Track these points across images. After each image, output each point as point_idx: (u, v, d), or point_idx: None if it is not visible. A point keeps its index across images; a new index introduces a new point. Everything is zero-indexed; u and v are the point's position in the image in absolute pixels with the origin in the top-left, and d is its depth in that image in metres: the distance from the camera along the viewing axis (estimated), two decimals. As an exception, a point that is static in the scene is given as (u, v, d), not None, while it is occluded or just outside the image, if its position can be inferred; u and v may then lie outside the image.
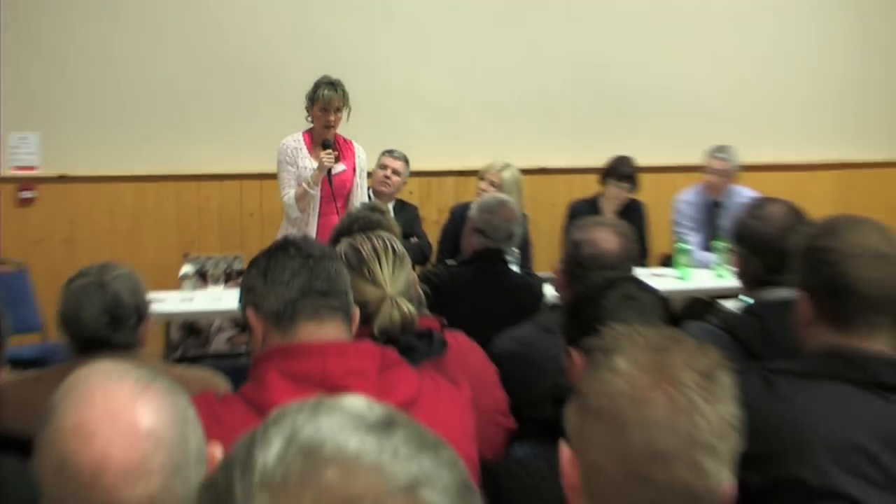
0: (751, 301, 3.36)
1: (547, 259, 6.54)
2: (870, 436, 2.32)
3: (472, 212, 4.97)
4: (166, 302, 5.91)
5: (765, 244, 3.29)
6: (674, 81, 8.69)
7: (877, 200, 8.27)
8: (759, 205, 3.51)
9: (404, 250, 2.92)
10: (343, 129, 6.35)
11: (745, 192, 6.91)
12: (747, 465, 1.68)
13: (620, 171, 7.18)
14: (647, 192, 7.45)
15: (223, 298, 6.04)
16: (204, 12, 7.69)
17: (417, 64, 8.15)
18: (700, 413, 1.54)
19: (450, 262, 5.73)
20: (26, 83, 7.41)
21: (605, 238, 3.46)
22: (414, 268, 3.09)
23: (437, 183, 8.18)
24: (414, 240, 6.73)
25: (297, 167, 6.23)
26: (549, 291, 4.82)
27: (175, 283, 6.31)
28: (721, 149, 7.28)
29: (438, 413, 2.25)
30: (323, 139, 6.18)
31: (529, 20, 8.36)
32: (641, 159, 7.38)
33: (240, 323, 6.31)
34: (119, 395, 1.47)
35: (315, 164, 6.17)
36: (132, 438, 1.44)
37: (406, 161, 6.89)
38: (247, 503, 0.72)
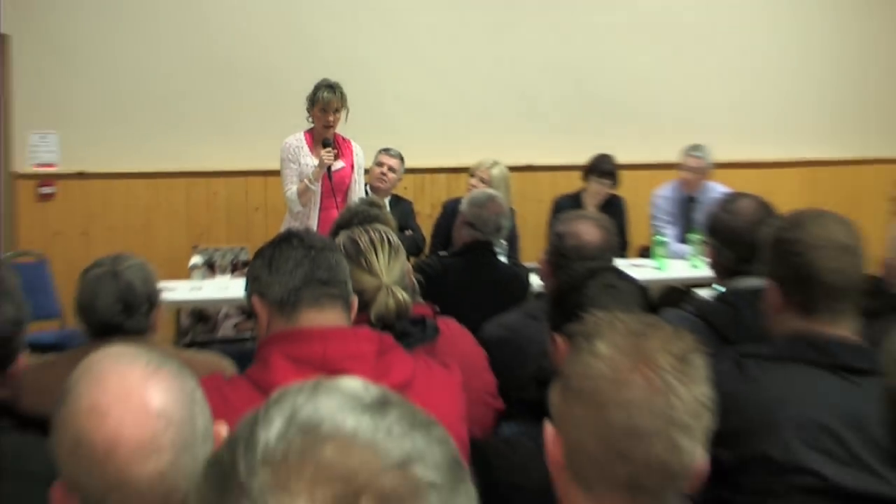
0: (723, 289, 3.36)
1: (533, 251, 6.52)
2: (833, 415, 2.32)
3: (463, 206, 4.97)
4: (176, 290, 5.91)
5: (736, 236, 3.30)
6: (652, 84, 8.70)
7: (840, 196, 8.28)
8: (730, 200, 3.51)
9: (399, 242, 2.91)
10: (342, 129, 6.35)
11: (717, 188, 6.91)
12: (719, 442, 1.69)
13: (602, 168, 7.19)
14: (627, 188, 7.46)
15: (230, 287, 6.05)
16: (213, 21, 7.68)
17: (412, 68, 8.14)
18: (675, 394, 1.54)
19: (442, 253, 5.72)
20: (46, 86, 7.40)
21: (587, 231, 3.46)
22: (408, 259, 3.08)
23: (431, 179, 8.18)
24: (408, 233, 6.73)
25: (299, 164, 6.23)
26: (535, 281, 4.83)
27: (185, 273, 6.31)
28: (695, 148, 7.29)
29: (431, 395, 2.26)
30: (323, 138, 6.19)
31: (517, 28, 8.36)
32: (621, 157, 7.39)
33: (246, 310, 6.30)
34: (131, 377, 1.47)
35: (316, 162, 6.18)
36: (143, 418, 1.44)
37: (401, 159, 6.88)
38: (250, 479, 0.72)
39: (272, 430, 0.74)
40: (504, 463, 2.32)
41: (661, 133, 8.37)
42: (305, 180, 6.16)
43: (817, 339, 2.44)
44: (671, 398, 1.53)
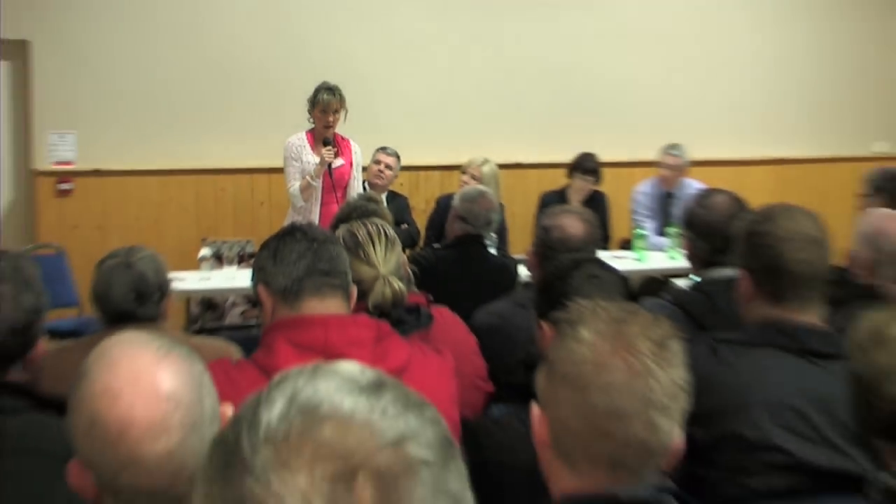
0: (699, 279, 3.36)
1: (521, 243, 6.53)
2: (801, 396, 2.33)
3: (455, 202, 4.97)
4: (186, 281, 5.90)
5: (711, 230, 3.29)
6: (632, 87, 8.70)
7: (808, 192, 8.28)
8: (706, 195, 3.51)
9: (395, 235, 2.91)
10: (341, 129, 6.36)
11: (694, 185, 6.91)
12: (694, 422, 1.69)
13: (585, 165, 7.19)
14: (609, 184, 7.46)
15: (237, 277, 6.04)
16: (221, 29, 7.67)
17: (407, 72, 8.14)
18: (654, 377, 1.54)
19: (435, 245, 5.72)
20: (65, 89, 7.38)
21: (572, 224, 3.46)
22: (404, 251, 3.08)
23: (425, 176, 8.18)
24: (404, 226, 6.72)
25: (301, 162, 6.24)
26: (523, 271, 4.83)
27: (194, 265, 6.31)
28: (673, 146, 7.29)
29: (426, 378, 2.25)
30: (323, 137, 6.20)
31: (506, 35, 8.37)
32: (604, 155, 7.39)
33: (252, 299, 6.29)
34: (142, 361, 1.47)
35: (317, 160, 6.18)
36: (154, 399, 1.44)
37: (397, 157, 6.88)
38: (253, 457, 0.72)
39: (274, 411, 0.74)
40: (493, 442, 2.32)
41: (640, 133, 8.36)
42: (307, 177, 6.16)
43: (786, 326, 2.45)
44: (650, 381, 1.54)
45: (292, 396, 0.75)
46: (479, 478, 1.30)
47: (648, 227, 7.13)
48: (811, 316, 2.47)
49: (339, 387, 0.76)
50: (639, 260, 6.73)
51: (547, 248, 3.39)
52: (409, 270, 3.32)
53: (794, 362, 2.39)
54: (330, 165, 6.20)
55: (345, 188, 6.36)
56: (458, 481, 0.75)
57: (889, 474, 1.83)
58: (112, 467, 1.43)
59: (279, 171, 6.52)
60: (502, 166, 7.22)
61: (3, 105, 7.49)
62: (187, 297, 6.23)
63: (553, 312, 2.00)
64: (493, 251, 5.29)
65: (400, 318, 2.68)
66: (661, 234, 7.03)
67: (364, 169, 6.69)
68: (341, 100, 6.21)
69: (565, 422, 1.57)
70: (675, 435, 1.56)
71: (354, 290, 2.41)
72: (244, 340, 3.28)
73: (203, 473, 0.76)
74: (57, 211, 7.46)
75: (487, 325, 3.49)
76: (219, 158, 7.68)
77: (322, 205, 6.25)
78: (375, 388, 0.77)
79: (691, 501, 1.72)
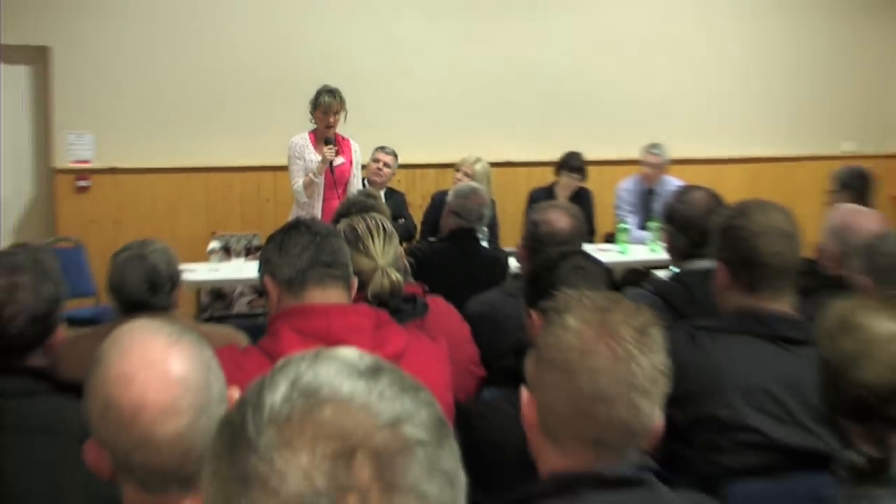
0: (678, 271, 3.36)
1: (511, 237, 6.54)
2: (773, 380, 2.34)
3: (450, 197, 4.96)
4: (196, 272, 5.90)
5: (690, 224, 3.29)
6: (616, 90, 8.70)
7: (780, 189, 8.30)
8: (685, 192, 3.51)
9: (393, 229, 2.91)
10: (341, 129, 6.35)
11: (673, 182, 6.90)
12: (673, 404, 1.69)
13: (572, 164, 7.18)
14: (594, 181, 7.45)
15: (244, 269, 6.03)
16: (230, 36, 7.66)
17: (404, 75, 8.13)
18: (636, 362, 1.54)
19: (431, 239, 5.71)
20: (83, 92, 7.37)
21: (559, 219, 3.45)
22: (401, 244, 3.08)
23: (421, 174, 8.17)
24: (401, 221, 6.70)
25: (304, 160, 6.23)
26: (513, 263, 4.82)
27: (204, 257, 6.30)
28: (654, 146, 7.29)
29: (421, 364, 2.25)
30: (325, 137, 6.19)
31: (497, 40, 8.35)
32: (589, 154, 7.38)
33: (258, 289, 6.29)
34: (154, 347, 1.46)
35: (319, 158, 6.16)
36: (165, 383, 1.43)
37: (395, 156, 6.87)
38: (257, 437, 0.72)
39: (277, 394, 0.74)
40: (485, 423, 2.32)
41: (623, 133, 8.36)
42: (310, 174, 6.15)
43: (760, 314, 2.45)
44: (632, 366, 1.53)
45: (294, 380, 0.75)
46: (472, 457, 1.30)
47: (631, 221, 7.13)
48: (783, 305, 2.48)
49: (339, 371, 0.76)
50: (622, 252, 6.73)
51: (536, 241, 3.39)
52: (406, 262, 3.31)
53: (767, 348, 2.39)
54: (331, 163, 6.20)
55: (345, 185, 6.35)
56: (452, 460, 0.74)
57: (854, 452, 1.83)
58: (126, 447, 1.43)
59: (284, 169, 6.51)
60: (494, 164, 7.22)
61: (25, 107, 7.49)
62: (197, 287, 6.23)
63: (541, 302, 2.00)
64: (484, 244, 5.28)
65: (397, 307, 2.68)
66: (643, 228, 7.03)
67: (363, 167, 6.68)
68: (341, 101, 6.21)
69: (552, 404, 1.57)
70: (655, 416, 1.56)
71: (355, 281, 2.40)
72: (251, 328, 3.28)
73: (211, 452, 0.76)
74: (75, 206, 7.45)
75: (479, 314, 3.49)
76: (227, 157, 7.67)
77: (324, 200, 6.24)
78: (373, 372, 0.76)
79: (670, 478, 1.72)
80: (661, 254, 5.12)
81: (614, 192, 7.45)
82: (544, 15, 8.48)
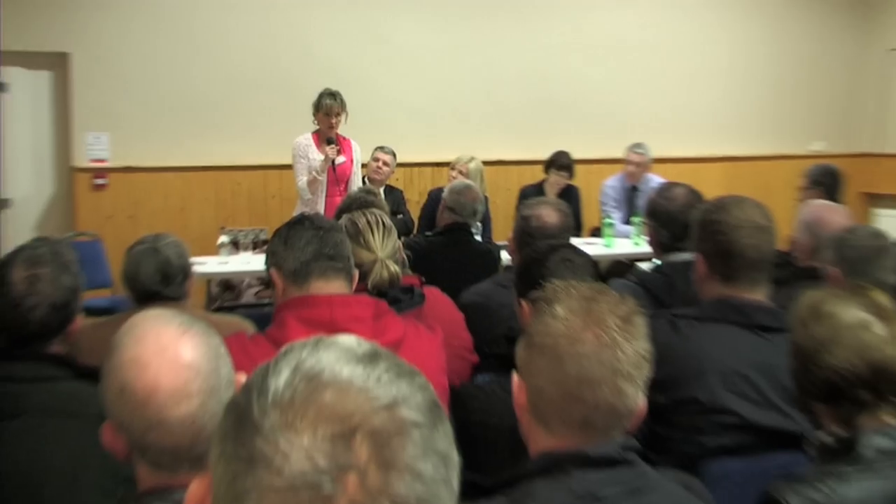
0: (660, 262, 3.36)
1: (503, 231, 6.54)
2: (749, 364, 2.34)
3: (445, 194, 4.96)
4: (207, 264, 5.90)
5: (671, 218, 3.29)
6: (601, 93, 8.70)
7: (755, 186, 8.29)
8: (666, 188, 3.51)
9: (392, 224, 2.90)
10: (342, 130, 6.35)
11: (656, 179, 6.90)
12: (655, 388, 1.69)
13: (560, 162, 7.18)
14: (581, 179, 7.45)
15: (251, 262, 6.02)
16: (238, 42, 7.63)
17: (402, 79, 8.12)
18: (620, 348, 1.54)
19: (427, 233, 5.71)
20: (100, 95, 7.35)
21: (548, 214, 3.45)
22: (399, 237, 3.07)
23: (418, 172, 8.16)
24: (400, 216, 6.70)
25: (308, 159, 6.22)
26: (505, 256, 4.82)
27: (214, 250, 6.29)
28: (638, 145, 7.28)
29: (419, 350, 2.26)
30: (327, 137, 6.19)
31: (490, 46, 8.34)
32: (576, 153, 7.37)
33: (265, 280, 6.27)
34: (166, 335, 1.46)
35: (322, 157, 6.16)
36: (177, 368, 1.44)
37: (393, 155, 6.86)
38: (262, 419, 0.72)
39: (281, 379, 0.74)
40: (478, 406, 2.32)
41: (609, 133, 8.37)
42: (313, 172, 6.15)
43: (737, 303, 2.45)
44: (617, 352, 1.53)
45: (297, 366, 0.75)
46: (465, 438, 1.30)
47: (615, 216, 7.13)
48: (758, 294, 2.48)
49: (339, 357, 0.76)
50: (607, 246, 6.73)
51: (526, 235, 3.38)
52: (404, 255, 3.31)
53: (743, 335, 2.40)
54: (333, 162, 6.19)
55: (347, 182, 6.35)
56: (445, 441, 0.74)
57: (824, 432, 1.84)
58: (140, 428, 1.43)
59: (288, 167, 6.50)
60: (487, 163, 7.21)
61: (47, 110, 7.47)
62: (207, 279, 6.22)
63: (531, 292, 2.00)
64: (478, 238, 5.29)
65: (396, 297, 2.68)
66: (627, 222, 7.03)
67: (364, 165, 6.67)
68: (342, 104, 6.21)
69: (542, 388, 1.57)
70: (638, 399, 1.56)
71: (356, 273, 2.40)
72: (258, 317, 3.27)
73: (218, 433, 0.76)
74: (93, 203, 7.44)
75: (473, 304, 3.49)
76: (235, 156, 7.66)
77: (327, 197, 6.24)
78: (371, 358, 0.76)
79: (653, 458, 1.72)
80: (644, 247, 5.13)
81: (600, 189, 7.44)
82: (534, 25, 8.47)
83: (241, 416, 0.74)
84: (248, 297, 6.57)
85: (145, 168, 7.50)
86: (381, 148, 6.84)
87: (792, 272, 3.20)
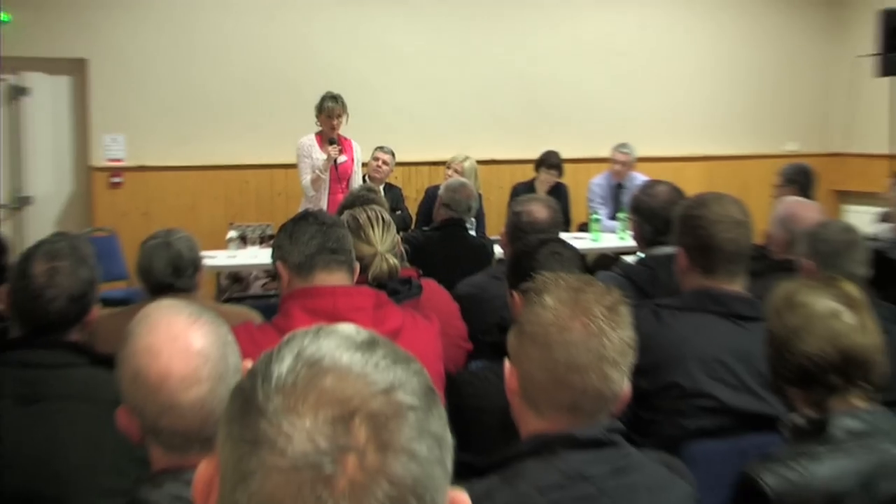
0: (644, 256, 3.36)
1: (496, 226, 6.51)
2: (727, 351, 2.34)
3: (441, 191, 4.96)
4: (216, 258, 5.89)
5: (654, 214, 3.29)
6: (589, 95, 8.69)
7: (733, 183, 8.28)
8: (650, 186, 3.51)
9: (391, 220, 2.90)
10: (344, 131, 6.33)
11: (640, 177, 6.89)
12: (639, 373, 1.69)
13: (550, 161, 7.17)
14: (570, 177, 7.44)
15: (259, 256, 6.01)
16: (246, 47, 7.62)
17: (401, 82, 8.10)
18: (606, 336, 1.54)
19: (424, 228, 5.71)
20: (116, 98, 7.34)
21: (538, 210, 3.45)
22: (398, 232, 3.07)
23: (416, 171, 8.15)
24: (398, 212, 6.69)
25: (311, 159, 6.22)
26: (497, 249, 4.82)
27: (223, 245, 6.29)
28: (623, 145, 7.28)
29: (417, 339, 2.26)
30: (329, 138, 6.19)
31: (483, 50, 8.33)
32: (565, 153, 7.36)
33: (272, 273, 6.27)
34: (177, 324, 1.47)
35: (325, 157, 6.16)
36: (187, 355, 1.44)
37: (392, 154, 6.85)
38: (266, 403, 0.72)
39: (284, 365, 0.74)
40: (472, 391, 2.32)
41: (596, 133, 8.35)
42: (317, 171, 6.15)
43: (716, 293, 2.46)
44: (603, 339, 1.53)
45: (299, 353, 0.75)
46: (459, 421, 1.29)
47: (602, 212, 7.13)
48: (736, 285, 2.48)
49: (339, 344, 0.75)
50: (594, 240, 6.73)
51: (517, 229, 3.38)
52: (403, 249, 3.31)
53: (722, 323, 2.40)
54: (335, 161, 6.18)
55: (348, 180, 6.34)
56: (439, 423, 0.74)
57: (797, 415, 1.84)
58: (153, 412, 1.44)
59: (293, 166, 6.50)
60: (481, 162, 7.20)
61: (66, 112, 7.46)
62: (217, 271, 6.21)
63: (522, 283, 1.99)
64: (472, 233, 5.29)
65: (395, 288, 2.68)
66: (613, 218, 7.03)
67: (364, 164, 6.66)
68: (343, 106, 6.20)
69: (532, 374, 1.57)
70: (623, 384, 1.56)
71: (357, 266, 2.40)
72: (265, 308, 3.27)
73: (225, 417, 0.76)
74: (109, 200, 7.44)
75: (467, 295, 3.48)
76: (243, 156, 7.65)
77: (329, 194, 6.23)
78: (369, 345, 0.76)
79: (637, 440, 1.72)
80: (629, 241, 5.13)
81: (587, 187, 7.43)
82: (524, 31, 8.45)
83: (246, 400, 0.73)
84: (256, 288, 6.56)
85: (159, 167, 7.49)
86: (380, 148, 6.83)
87: (768, 265, 3.20)
